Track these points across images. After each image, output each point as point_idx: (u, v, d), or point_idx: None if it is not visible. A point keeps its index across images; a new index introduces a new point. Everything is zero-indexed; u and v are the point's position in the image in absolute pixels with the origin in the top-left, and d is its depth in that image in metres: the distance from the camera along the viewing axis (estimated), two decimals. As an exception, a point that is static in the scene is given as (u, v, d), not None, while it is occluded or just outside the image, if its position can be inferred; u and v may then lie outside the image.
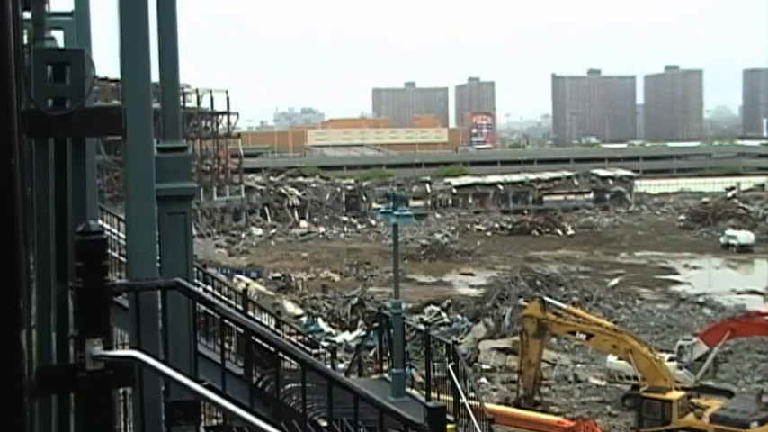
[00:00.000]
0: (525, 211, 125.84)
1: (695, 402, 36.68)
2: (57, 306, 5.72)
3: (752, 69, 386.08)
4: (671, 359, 41.47)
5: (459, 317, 56.51)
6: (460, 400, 15.58)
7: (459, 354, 16.77)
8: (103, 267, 4.76)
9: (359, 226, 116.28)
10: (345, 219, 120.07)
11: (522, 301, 53.64)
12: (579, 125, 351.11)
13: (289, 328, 21.74)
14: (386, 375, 17.65)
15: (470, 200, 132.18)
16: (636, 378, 39.05)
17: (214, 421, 11.71)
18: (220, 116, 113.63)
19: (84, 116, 5.41)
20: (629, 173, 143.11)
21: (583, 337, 40.18)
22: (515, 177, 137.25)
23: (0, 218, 3.57)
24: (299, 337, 21.33)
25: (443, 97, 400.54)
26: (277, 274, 73.77)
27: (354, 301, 59.10)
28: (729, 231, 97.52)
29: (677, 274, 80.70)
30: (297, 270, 78.58)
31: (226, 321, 6.24)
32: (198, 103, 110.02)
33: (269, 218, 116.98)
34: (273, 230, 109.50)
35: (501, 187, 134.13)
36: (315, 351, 19.00)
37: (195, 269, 11.43)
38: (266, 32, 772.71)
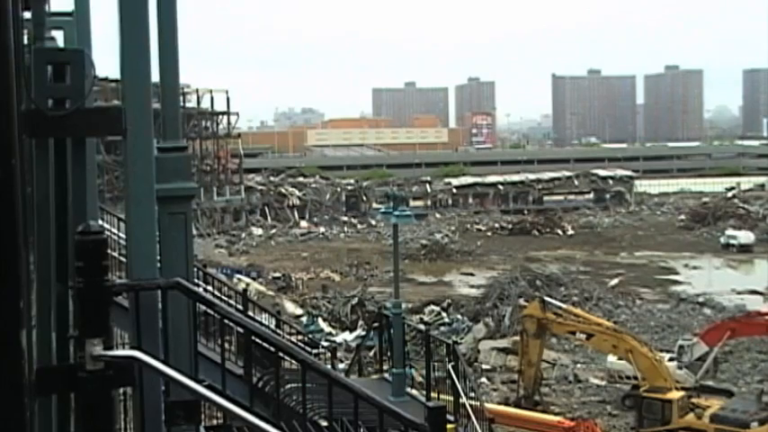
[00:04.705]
0: (525, 211, 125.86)
1: (695, 402, 36.65)
2: (57, 306, 5.71)
3: (752, 69, 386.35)
4: (671, 359, 41.49)
5: (459, 317, 56.48)
6: (461, 400, 15.57)
7: (459, 354, 16.77)
8: (104, 267, 4.76)
9: (359, 226, 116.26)
10: (345, 219, 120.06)
11: (522, 301, 53.57)
12: (579, 125, 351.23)
13: (289, 328, 21.72)
14: (386, 375, 17.64)
15: (470, 200, 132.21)
16: (636, 378, 39.03)
17: (214, 421, 11.72)
18: (220, 116, 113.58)
19: (85, 116, 5.40)
20: (629, 173, 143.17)
21: (583, 337, 40.17)
22: (515, 177, 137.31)
23: (0, 218, 3.57)
24: (299, 337, 21.31)
25: (443, 97, 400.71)
26: (277, 274, 73.72)
27: (354, 301, 59.05)
28: (729, 231, 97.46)
29: (677, 274, 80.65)
30: (297, 270, 78.53)
31: (226, 321, 6.25)
32: (198, 103, 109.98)
33: (269, 218, 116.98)
34: (273, 230, 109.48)
35: (501, 187, 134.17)
36: (315, 351, 19.00)
37: (195, 269, 11.43)
38: (267, 32, 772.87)
